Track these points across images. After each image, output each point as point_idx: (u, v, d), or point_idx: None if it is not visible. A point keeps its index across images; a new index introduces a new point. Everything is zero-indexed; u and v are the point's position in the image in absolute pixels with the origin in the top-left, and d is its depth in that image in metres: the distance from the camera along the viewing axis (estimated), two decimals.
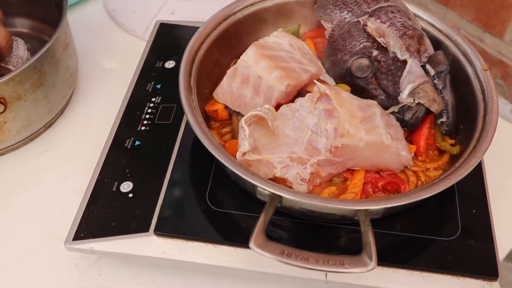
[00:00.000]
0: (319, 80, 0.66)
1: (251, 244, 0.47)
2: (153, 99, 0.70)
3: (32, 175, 0.69)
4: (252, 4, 0.69)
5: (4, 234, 0.64)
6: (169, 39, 0.77)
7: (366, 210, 0.50)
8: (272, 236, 0.56)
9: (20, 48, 0.72)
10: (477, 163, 0.53)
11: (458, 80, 0.65)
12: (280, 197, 0.51)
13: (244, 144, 0.57)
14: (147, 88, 0.71)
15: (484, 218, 0.59)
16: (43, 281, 0.60)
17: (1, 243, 0.63)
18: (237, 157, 0.57)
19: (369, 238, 0.49)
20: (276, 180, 0.58)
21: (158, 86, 0.71)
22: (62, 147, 0.72)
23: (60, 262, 0.62)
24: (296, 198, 0.51)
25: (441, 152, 0.63)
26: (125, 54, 0.82)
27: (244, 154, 0.57)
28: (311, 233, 0.57)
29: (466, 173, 0.52)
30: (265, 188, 0.51)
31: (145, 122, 0.67)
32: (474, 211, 0.59)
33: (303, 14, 0.73)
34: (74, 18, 0.88)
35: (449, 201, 0.60)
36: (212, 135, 0.56)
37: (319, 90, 0.60)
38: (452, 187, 0.60)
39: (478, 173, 0.63)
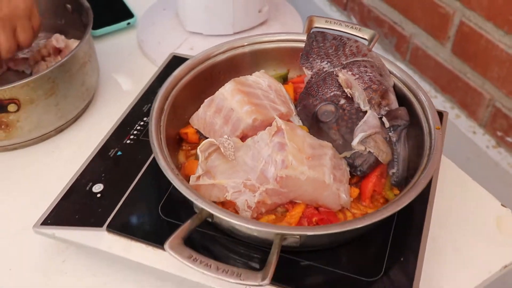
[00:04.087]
0: (287, 121, 0.72)
1: (166, 245, 0.54)
2: (144, 119, 0.78)
3: (35, 170, 0.80)
4: (238, 47, 0.77)
5: (1, 215, 0.75)
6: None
7: (278, 233, 0.55)
8: (204, 246, 0.62)
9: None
10: (391, 213, 0.56)
11: (417, 137, 0.68)
12: (207, 211, 0.57)
13: (198, 169, 0.64)
14: (143, 109, 0.80)
15: (410, 268, 0.61)
16: (16, 258, 0.69)
17: None
18: (190, 182, 0.64)
19: (272, 258, 0.53)
20: (226, 203, 0.64)
21: None
22: (67, 151, 0.83)
23: (34, 245, 0.70)
24: (216, 213, 0.56)
25: (387, 201, 0.66)
26: (142, 79, 0.92)
27: (198, 178, 0.64)
28: (239, 251, 0.62)
29: (373, 220, 0.55)
30: (194, 202, 0.57)
31: (131, 137, 0.76)
32: (402, 259, 0.62)
33: (293, 60, 0.80)
34: (109, 43, 1.01)
35: (381, 243, 0.63)
36: (166, 150, 0.63)
37: (276, 124, 0.66)
38: (389, 229, 0.64)
39: (419, 224, 0.65)
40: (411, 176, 0.66)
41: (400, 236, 0.64)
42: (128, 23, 1.02)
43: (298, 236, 0.56)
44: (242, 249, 0.63)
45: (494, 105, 1.33)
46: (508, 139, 1.33)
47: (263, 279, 0.51)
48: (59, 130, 0.84)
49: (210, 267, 0.52)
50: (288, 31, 1.00)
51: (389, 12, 1.48)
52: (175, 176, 0.60)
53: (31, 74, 0.89)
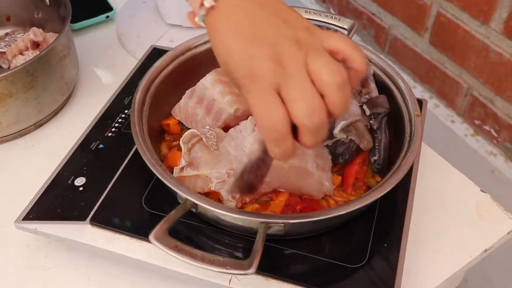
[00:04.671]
0: None
1: (150, 236, 0.53)
2: (126, 111, 0.78)
3: (15, 165, 0.79)
4: None
5: None
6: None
7: (262, 222, 0.55)
8: (189, 237, 0.62)
9: None
10: (374, 199, 0.57)
11: (397, 124, 0.69)
12: (191, 201, 0.57)
13: (181, 161, 0.64)
14: (124, 101, 0.80)
15: (393, 254, 0.61)
16: None
17: None
18: (173, 173, 0.64)
19: (258, 247, 0.54)
20: (210, 193, 0.64)
21: None
22: (47, 146, 0.82)
23: (15, 240, 0.70)
24: (200, 202, 0.56)
25: (369, 188, 0.67)
26: (123, 72, 0.91)
27: (182, 169, 0.64)
28: (224, 241, 0.62)
29: (356, 207, 0.56)
30: (178, 192, 0.57)
31: (113, 129, 0.75)
32: (385, 245, 0.63)
33: None
34: (88, 37, 1.00)
35: (364, 230, 0.64)
36: (149, 141, 0.63)
37: None
38: (372, 216, 0.65)
39: (402, 209, 0.66)
40: (392, 163, 0.67)
41: (383, 223, 0.65)
42: (107, 16, 1.01)
43: (282, 224, 0.56)
44: (227, 239, 0.63)
45: (472, 94, 1.35)
46: (486, 127, 1.35)
47: (249, 267, 0.52)
48: (39, 124, 0.83)
49: (196, 257, 0.52)
50: None
51: (367, 3, 1.49)
52: (158, 167, 0.60)
53: (8, 69, 0.87)
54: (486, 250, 0.69)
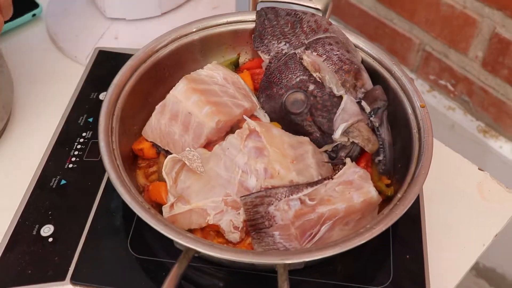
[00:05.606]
0: (252, 116, 0.64)
1: None
2: (84, 134, 0.67)
3: None
4: (185, 35, 0.67)
5: None
6: (107, 68, 0.75)
7: (283, 264, 0.48)
8: (191, 280, 0.54)
9: None
10: (400, 216, 0.51)
11: (397, 116, 0.62)
12: (194, 250, 0.49)
13: (168, 197, 0.55)
14: (79, 121, 0.68)
15: (418, 265, 0.56)
16: None
17: None
18: (164, 214, 0.55)
19: None
20: (209, 226, 0.56)
21: (90, 119, 0.68)
22: None
23: None
24: (213, 252, 0.48)
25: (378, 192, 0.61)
26: (66, 81, 0.79)
27: (172, 207, 0.55)
28: (235, 281, 0.55)
29: (384, 228, 0.49)
30: (178, 242, 0.48)
31: (73, 159, 0.64)
32: (408, 257, 0.57)
33: (243, 43, 0.71)
34: (15, 42, 0.85)
35: (382, 245, 0.58)
36: (127, 178, 0.53)
37: (248, 126, 0.58)
38: (387, 230, 0.58)
39: (415, 212, 0.61)
40: (397, 160, 0.61)
41: (400, 230, 0.59)
42: (34, 15, 0.87)
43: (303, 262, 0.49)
44: (237, 278, 0.55)
45: (425, 49, 1.32)
46: (441, 82, 1.33)
47: None
48: None
49: None
50: (218, 5, 0.90)
51: None
52: (146, 212, 0.50)
53: None
54: (496, 235, 0.66)
